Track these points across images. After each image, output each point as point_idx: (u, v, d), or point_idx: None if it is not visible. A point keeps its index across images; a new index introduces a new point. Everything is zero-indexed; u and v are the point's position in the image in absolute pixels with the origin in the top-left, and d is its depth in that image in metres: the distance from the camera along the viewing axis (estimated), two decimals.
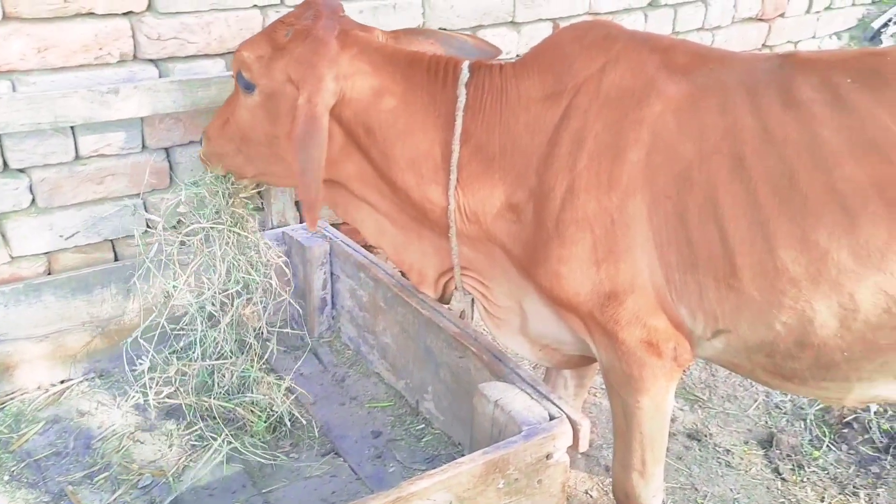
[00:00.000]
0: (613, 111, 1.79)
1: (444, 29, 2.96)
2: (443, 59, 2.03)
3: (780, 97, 1.71)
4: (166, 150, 2.57)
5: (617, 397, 1.97)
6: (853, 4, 4.82)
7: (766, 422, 2.92)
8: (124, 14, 2.37)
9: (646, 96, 1.78)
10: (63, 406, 2.41)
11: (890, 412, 2.92)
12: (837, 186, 1.62)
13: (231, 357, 2.37)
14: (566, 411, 1.86)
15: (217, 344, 2.35)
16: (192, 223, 2.27)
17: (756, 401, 3.01)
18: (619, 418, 1.99)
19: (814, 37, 4.70)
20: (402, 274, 3.26)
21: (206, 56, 2.55)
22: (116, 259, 2.59)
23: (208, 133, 2.24)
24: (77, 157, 2.42)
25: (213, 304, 2.32)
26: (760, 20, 4.33)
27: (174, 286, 2.28)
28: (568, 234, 1.81)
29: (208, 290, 2.30)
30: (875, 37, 4.85)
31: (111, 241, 2.58)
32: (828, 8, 4.67)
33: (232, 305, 2.34)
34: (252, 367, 2.38)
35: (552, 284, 1.87)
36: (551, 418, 1.84)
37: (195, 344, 2.33)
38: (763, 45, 4.42)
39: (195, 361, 2.32)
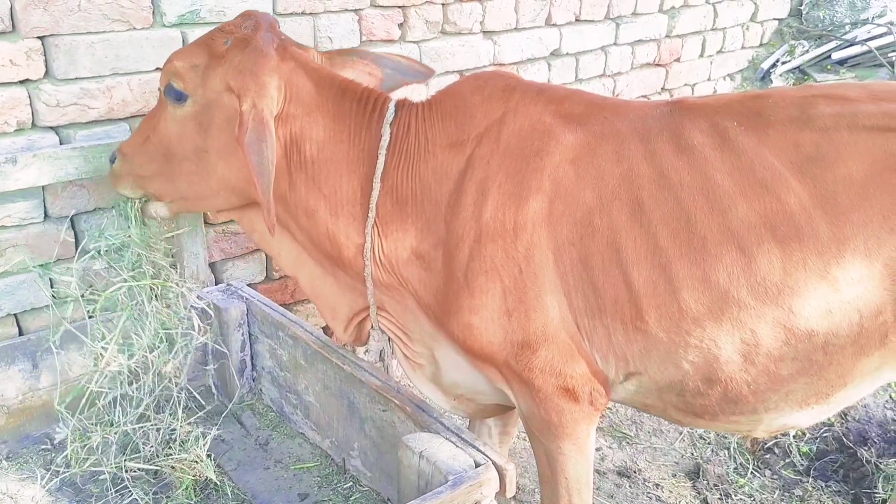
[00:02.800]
0: (514, 161, 1.83)
1: None
2: (374, 94, 2.03)
3: (672, 143, 1.78)
4: (71, 218, 2.50)
5: (539, 444, 1.97)
6: (743, 47, 5.08)
7: (692, 453, 2.97)
8: (21, 82, 2.32)
9: (545, 146, 1.83)
10: None
11: (808, 435, 3.00)
12: (733, 227, 1.69)
13: (154, 417, 2.29)
14: (491, 457, 1.85)
15: (140, 402, 2.28)
16: (115, 278, 2.19)
17: (681, 433, 3.06)
18: (544, 465, 2.00)
19: (709, 79, 4.92)
20: (324, 329, 3.22)
21: (109, 121, 2.50)
22: (21, 333, 2.48)
23: (124, 150, 2.16)
24: None
25: (136, 362, 2.25)
26: (658, 65, 4.52)
27: (104, 347, 2.19)
28: (477, 285, 1.83)
29: (138, 348, 2.22)
30: (765, 76, 5.11)
31: (14, 315, 2.47)
32: (720, 52, 4.91)
33: (156, 360, 2.27)
34: (178, 422, 2.31)
35: (465, 335, 1.88)
36: (477, 465, 1.82)
37: (115, 403, 2.24)
38: (662, 88, 4.61)
39: (116, 426, 2.24)
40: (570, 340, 1.81)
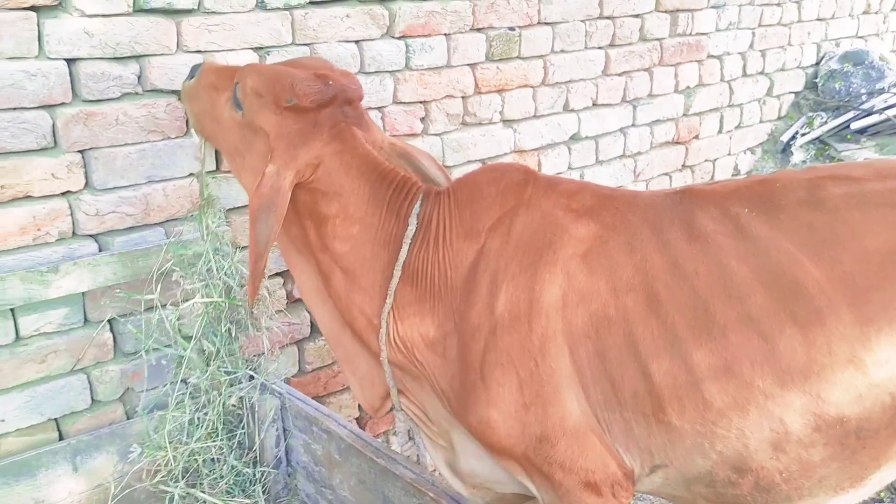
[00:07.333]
0: (527, 254, 1.85)
1: None
2: (409, 182, 2.07)
3: (684, 231, 1.78)
4: (109, 321, 2.57)
5: None
6: (761, 121, 5.15)
7: None
8: (62, 194, 2.42)
9: (557, 239, 1.84)
10: None
11: None
12: (753, 315, 1.67)
13: (218, 442, 2.43)
14: None
15: (209, 426, 2.42)
16: (187, 285, 2.37)
17: None
18: None
19: (729, 154, 4.98)
20: (357, 421, 3.23)
21: (146, 226, 2.60)
22: (61, 438, 2.53)
23: (202, 78, 2.22)
24: (18, 338, 2.40)
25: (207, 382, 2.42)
26: (677, 143, 4.59)
27: (185, 346, 2.36)
28: (494, 378, 1.82)
29: (211, 359, 2.39)
30: (786, 149, 5.16)
31: (55, 419, 2.52)
32: (738, 127, 4.98)
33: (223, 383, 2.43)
34: (241, 461, 2.44)
35: (483, 428, 1.87)
36: None
37: (185, 426, 2.40)
38: (683, 165, 4.67)
39: (185, 445, 2.37)
40: (590, 433, 1.79)
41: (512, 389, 1.81)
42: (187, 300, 2.38)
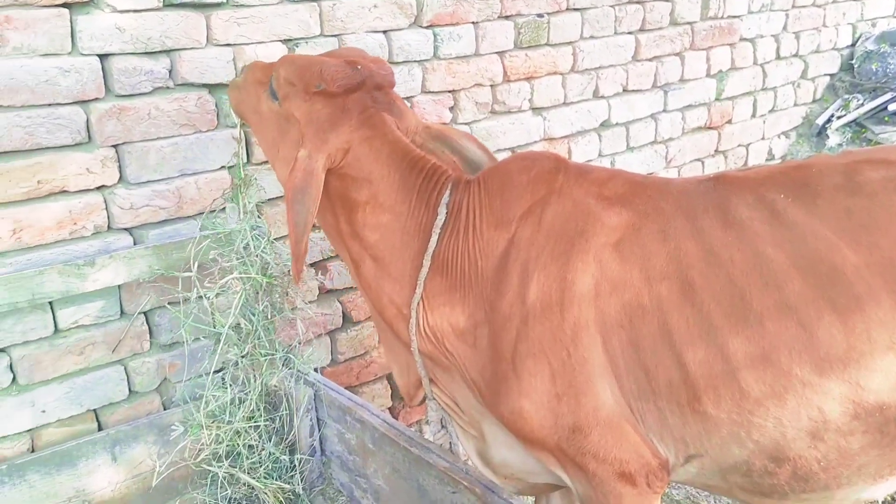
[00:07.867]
0: (558, 243, 1.82)
1: None
2: (439, 170, 2.05)
3: (719, 218, 1.75)
4: (145, 313, 2.60)
5: None
6: (795, 104, 5.07)
7: None
8: (97, 188, 2.46)
9: (589, 227, 1.81)
10: None
11: None
12: (790, 302, 1.64)
13: (260, 422, 2.49)
14: None
15: (248, 406, 2.46)
16: (224, 263, 2.40)
17: None
18: None
19: (763, 138, 4.90)
20: (390, 411, 3.24)
21: (179, 219, 2.62)
22: (100, 428, 2.57)
23: (248, 75, 2.25)
24: (56, 330, 2.44)
25: (246, 361, 2.47)
26: (710, 128, 4.53)
27: (223, 324, 2.40)
28: (525, 368, 1.81)
29: (249, 337, 2.43)
30: (821, 132, 5.07)
31: (94, 410, 2.56)
32: (772, 111, 4.90)
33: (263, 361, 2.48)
34: (278, 448, 2.49)
35: (515, 418, 1.85)
36: None
37: (226, 406, 2.45)
38: (716, 150, 4.61)
39: (229, 424, 2.42)
40: (624, 423, 1.77)
41: (544, 379, 1.79)
42: (224, 278, 2.41)
